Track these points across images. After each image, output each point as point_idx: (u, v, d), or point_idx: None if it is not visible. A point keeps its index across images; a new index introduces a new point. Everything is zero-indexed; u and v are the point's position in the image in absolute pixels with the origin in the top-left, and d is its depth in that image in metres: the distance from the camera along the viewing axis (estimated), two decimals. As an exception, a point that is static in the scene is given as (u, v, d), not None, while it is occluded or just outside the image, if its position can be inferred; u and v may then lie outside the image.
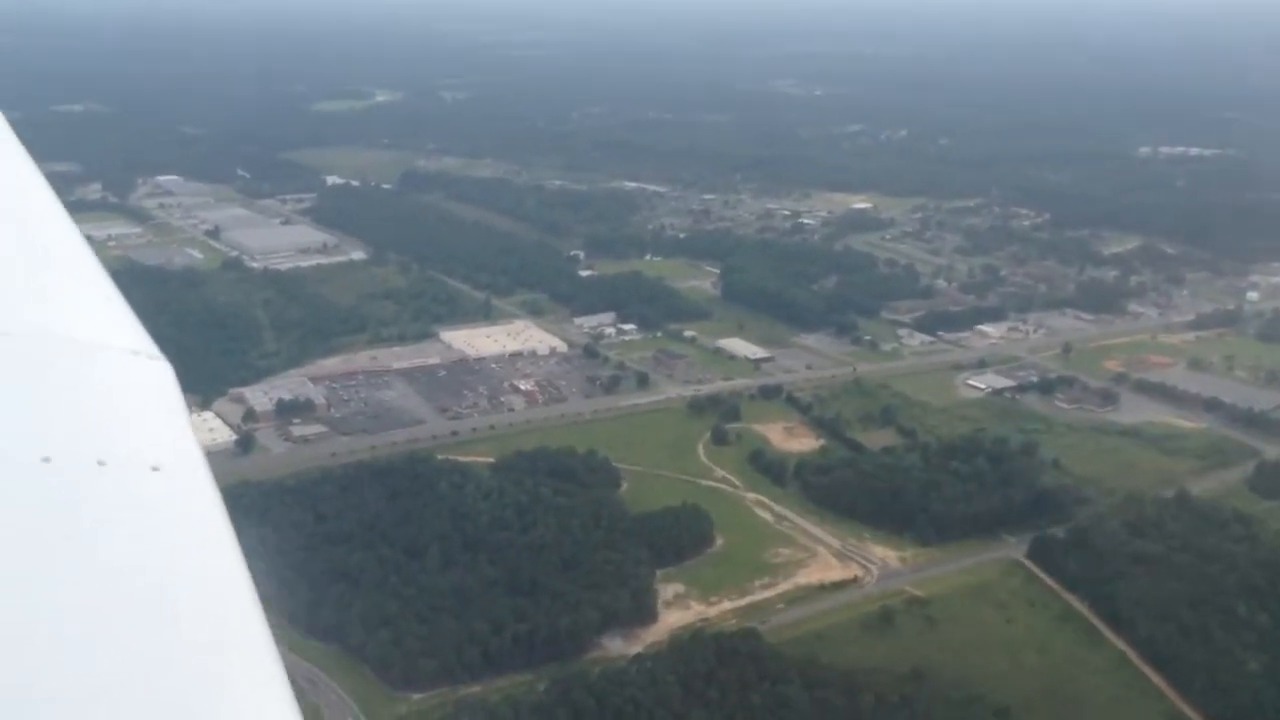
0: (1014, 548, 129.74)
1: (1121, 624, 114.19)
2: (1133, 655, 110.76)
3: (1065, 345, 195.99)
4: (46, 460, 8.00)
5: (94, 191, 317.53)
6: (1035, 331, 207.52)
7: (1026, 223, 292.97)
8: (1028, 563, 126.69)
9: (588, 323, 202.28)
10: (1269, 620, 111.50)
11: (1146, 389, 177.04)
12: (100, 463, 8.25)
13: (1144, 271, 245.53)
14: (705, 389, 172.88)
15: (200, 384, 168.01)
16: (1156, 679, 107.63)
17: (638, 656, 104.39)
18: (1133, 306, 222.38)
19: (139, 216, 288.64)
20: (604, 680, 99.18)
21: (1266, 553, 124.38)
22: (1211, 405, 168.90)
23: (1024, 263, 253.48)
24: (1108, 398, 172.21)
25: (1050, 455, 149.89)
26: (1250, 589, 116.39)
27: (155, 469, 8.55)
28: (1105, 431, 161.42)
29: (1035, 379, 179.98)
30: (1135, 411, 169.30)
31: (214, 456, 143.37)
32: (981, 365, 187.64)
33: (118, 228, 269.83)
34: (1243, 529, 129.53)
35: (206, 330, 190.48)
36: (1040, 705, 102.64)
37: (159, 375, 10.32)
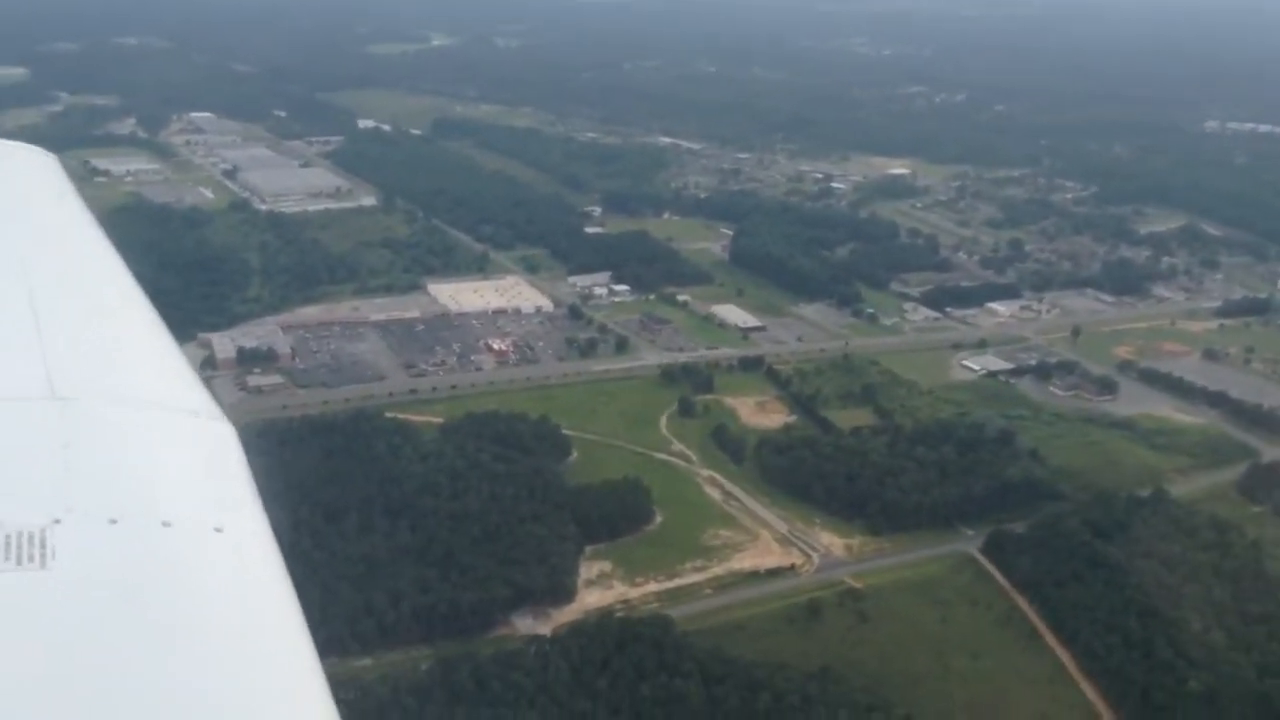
0: (970, 541, 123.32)
1: (1065, 631, 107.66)
2: (1071, 666, 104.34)
3: (1075, 328, 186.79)
4: (113, 522, 8.35)
5: (127, 125, 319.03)
6: (1049, 312, 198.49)
7: (1069, 196, 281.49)
8: (981, 559, 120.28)
9: (581, 281, 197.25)
10: (1223, 638, 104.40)
11: (1152, 379, 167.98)
12: (165, 524, 8.60)
13: (1179, 253, 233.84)
14: (685, 357, 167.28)
15: (174, 327, 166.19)
16: (1091, 694, 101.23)
17: (534, 638, 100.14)
18: (1158, 289, 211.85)
19: (163, 153, 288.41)
20: (492, 662, 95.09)
21: (1235, 564, 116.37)
22: (1217, 399, 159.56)
23: (1054, 238, 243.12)
24: (1106, 386, 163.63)
25: (1028, 445, 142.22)
26: (1209, 603, 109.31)
27: (218, 530, 8.86)
28: (1095, 422, 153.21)
29: (1034, 362, 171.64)
30: (1134, 402, 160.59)
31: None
32: (982, 345, 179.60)
33: (138, 163, 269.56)
34: (1215, 536, 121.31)
35: (192, 271, 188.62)
36: (954, 716, 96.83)
37: (222, 437, 10.67)
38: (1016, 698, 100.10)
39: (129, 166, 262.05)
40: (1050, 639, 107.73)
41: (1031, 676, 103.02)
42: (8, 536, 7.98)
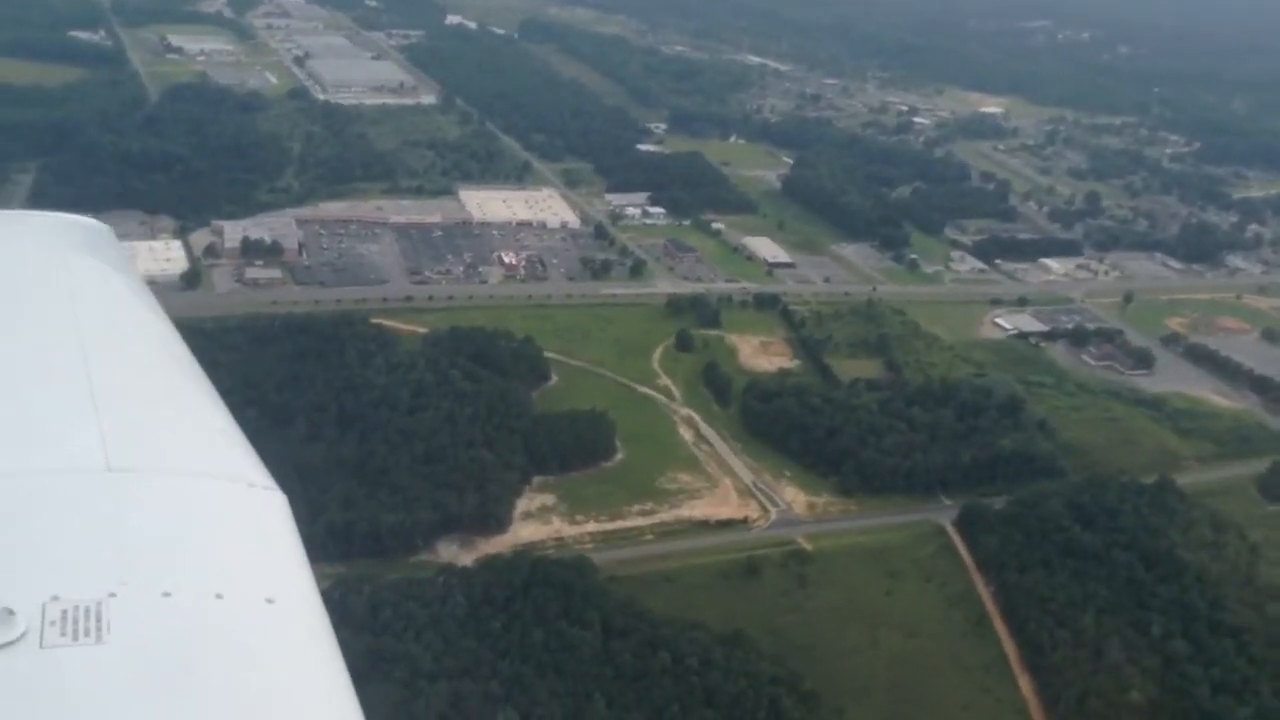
0: (947, 513, 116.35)
1: (1016, 619, 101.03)
2: (1013, 657, 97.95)
3: (1127, 294, 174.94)
4: (167, 595, 8.49)
5: (217, 4, 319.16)
6: (1107, 273, 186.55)
7: (1167, 150, 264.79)
8: (952, 532, 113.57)
9: (616, 200, 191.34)
10: (1185, 648, 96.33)
11: (1198, 355, 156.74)
12: (218, 595, 8.72)
13: (1271, 222, 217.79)
14: (700, 288, 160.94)
15: (194, 210, 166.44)
16: (1026, 689, 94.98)
17: (444, 569, 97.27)
18: (1234, 260, 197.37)
19: (243, 34, 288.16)
20: (392, 588, 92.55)
21: (1224, 568, 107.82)
22: (1262, 385, 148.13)
23: (1137, 195, 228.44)
24: (1143, 359, 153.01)
25: (1039, 415, 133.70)
26: (1180, 607, 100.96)
27: (270, 601, 9.01)
28: (1121, 397, 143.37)
29: (1071, 326, 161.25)
30: (1170, 379, 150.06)
31: (155, 289, 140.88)
32: (1022, 303, 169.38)
33: (214, 43, 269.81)
34: (1211, 535, 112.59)
35: (229, 156, 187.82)
36: (869, 698, 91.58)
37: (273, 507, 10.76)
38: (943, 683, 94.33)
39: (203, 46, 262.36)
40: (1000, 625, 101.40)
41: (967, 663, 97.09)
42: (64, 611, 8.12)
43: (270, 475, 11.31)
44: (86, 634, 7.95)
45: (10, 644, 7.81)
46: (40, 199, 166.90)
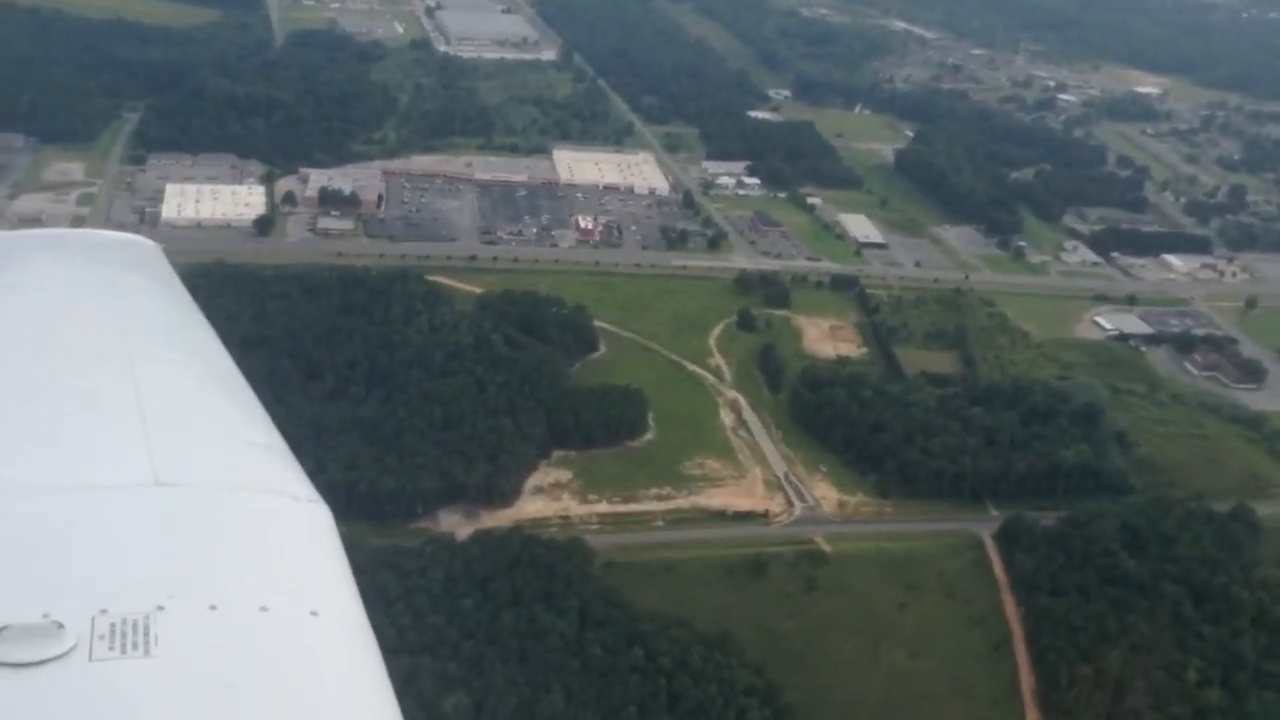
0: (991, 524, 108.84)
1: (1038, 647, 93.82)
2: (1026, 689, 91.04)
3: (1250, 298, 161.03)
4: (213, 608, 8.59)
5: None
6: (1235, 275, 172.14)
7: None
8: (990, 546, 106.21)
9: (713, 168, 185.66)
10: (1221, 699, 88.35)
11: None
12: (263, 608, 8.81)
13: None
14: (779, 264, 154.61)
15: (285, 158, 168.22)
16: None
17: (428, 540, 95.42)
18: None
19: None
20: (371, 557, 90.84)
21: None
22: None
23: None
24: (1253, 372, 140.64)
25: (1119, 426, 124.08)
26: (1225, 652, 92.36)
27: (314, 614, 9.10)
28: (1217, 412, 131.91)
29: (1178, 330, 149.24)
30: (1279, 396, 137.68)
31: (228, 233, 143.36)
32: (1130, 302, 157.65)
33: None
34: (1278, 575, 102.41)
35: (334, 104, 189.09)
36: (851, 718, 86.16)
37: (318, 519, 10.95)
38: (939, 711, 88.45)
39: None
40: (1020, 652, 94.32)
41: (973, 690, 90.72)
42: (113, 625, 8.21)
43: (314, 488, 11.41)
44: (135, 647, 8.05)
45: (60, 657, 7.85)
46: (142, 138, 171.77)
